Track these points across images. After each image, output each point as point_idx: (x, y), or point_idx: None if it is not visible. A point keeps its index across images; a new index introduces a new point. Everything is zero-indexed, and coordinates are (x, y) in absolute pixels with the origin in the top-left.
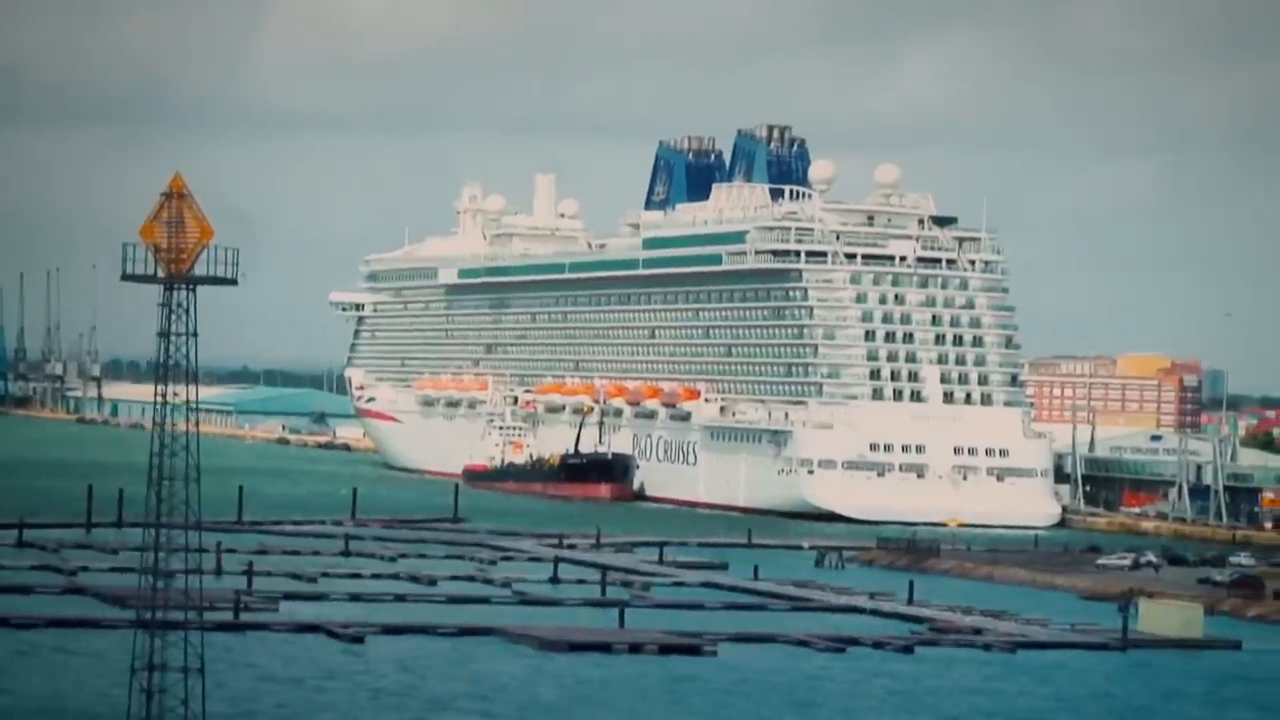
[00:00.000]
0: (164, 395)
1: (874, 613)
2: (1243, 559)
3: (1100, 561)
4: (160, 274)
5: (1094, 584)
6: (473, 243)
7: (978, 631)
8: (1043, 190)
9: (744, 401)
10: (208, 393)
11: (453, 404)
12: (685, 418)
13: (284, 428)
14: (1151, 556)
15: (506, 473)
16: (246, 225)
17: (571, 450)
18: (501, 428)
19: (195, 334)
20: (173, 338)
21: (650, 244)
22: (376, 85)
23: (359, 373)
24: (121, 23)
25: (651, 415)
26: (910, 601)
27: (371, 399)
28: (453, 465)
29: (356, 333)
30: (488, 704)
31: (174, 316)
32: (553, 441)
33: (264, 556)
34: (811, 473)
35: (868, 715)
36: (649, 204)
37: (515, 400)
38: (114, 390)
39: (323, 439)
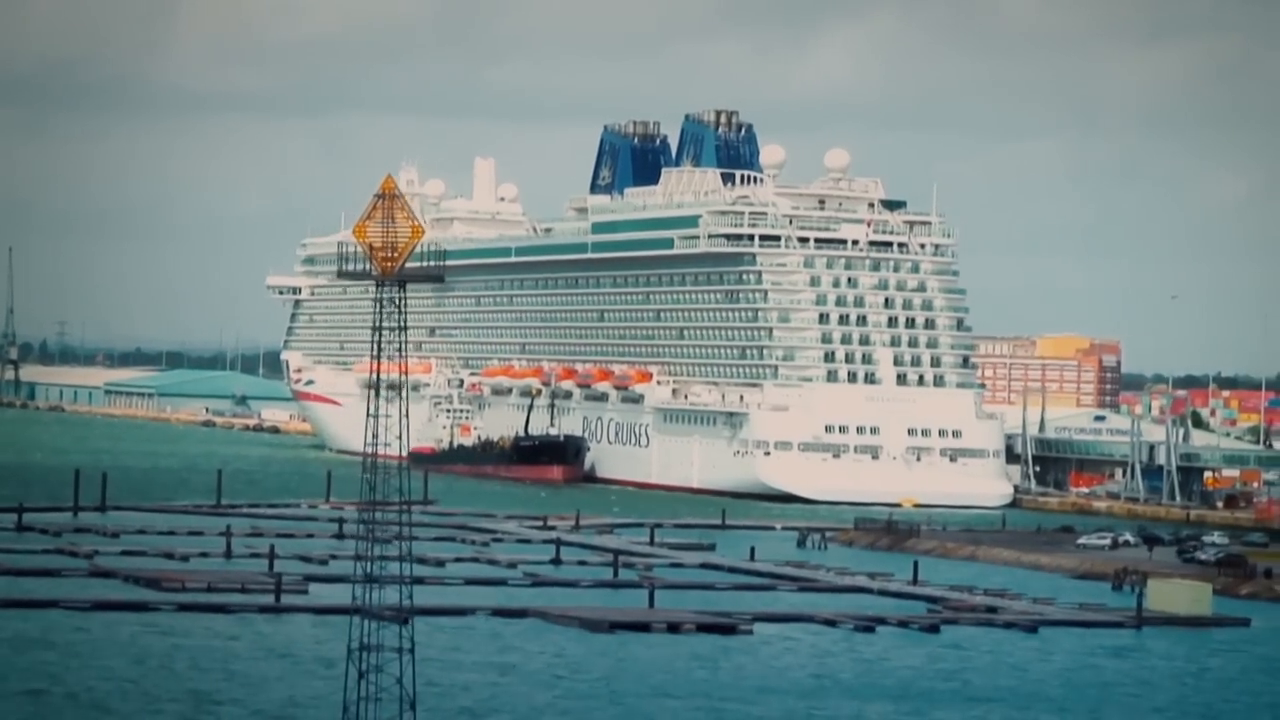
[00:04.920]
0: (377, 387)
1: (882, 592)
2: (1217, 538)
3: (1080, 541)
4: (374, 271)
5: (1080, 563)
6: None
7: (992, 610)
8: (959, 171)
9: (697, 384)
10: (124, 375)
11: (394, 387)
12: (637, 400)
13: (207, 410)
14: (1128, 536)
15: (456, 455)
16: None
17: (522, 432)
18: (449, 410)
19: (406, 328)
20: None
21: (599, 228)
22: (298, 67)
23: (297, 355)
24: (28, 2)
25: (602, 398)
26: (915, 581)
27: (310, 382)
28: (397, 448)
29: (294, 316)
30: (594, 681)
31: (386, 311)
32: (500, 424)
33: (261, 539)
34: (768, 454)
35: (967, 685)
36: (594, 188)
37: (461, 383)
38: (30, 373)
39: (249, 422)
